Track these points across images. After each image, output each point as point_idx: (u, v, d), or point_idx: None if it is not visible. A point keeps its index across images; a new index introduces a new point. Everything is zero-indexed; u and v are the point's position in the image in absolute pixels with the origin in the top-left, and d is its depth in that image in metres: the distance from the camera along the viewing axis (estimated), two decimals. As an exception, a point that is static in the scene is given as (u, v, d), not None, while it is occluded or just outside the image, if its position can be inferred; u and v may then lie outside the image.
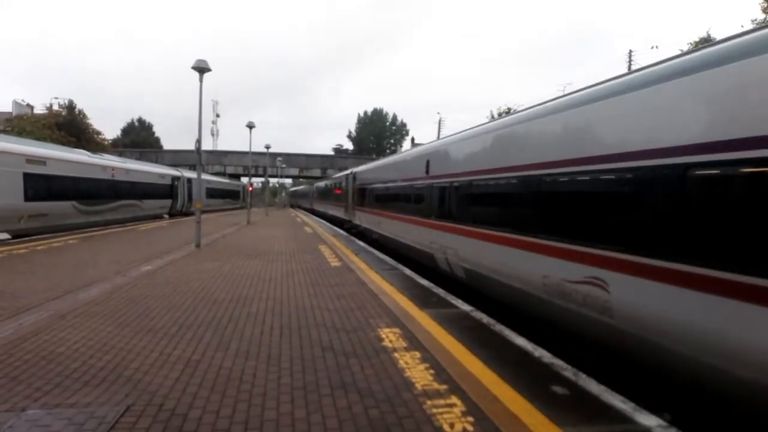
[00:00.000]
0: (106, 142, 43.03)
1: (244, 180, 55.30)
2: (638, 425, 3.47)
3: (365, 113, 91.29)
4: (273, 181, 62.36)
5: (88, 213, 21.85)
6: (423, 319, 6.42)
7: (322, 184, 46.10)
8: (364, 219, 20.16)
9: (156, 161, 44.96)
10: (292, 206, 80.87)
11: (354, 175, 23.28)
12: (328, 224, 29.72)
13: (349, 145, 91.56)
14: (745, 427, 3.89)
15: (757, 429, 3.73)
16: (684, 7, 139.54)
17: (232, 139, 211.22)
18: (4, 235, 16.01)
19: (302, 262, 11.93)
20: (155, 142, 75.41)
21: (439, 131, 60.32)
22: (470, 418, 3.54)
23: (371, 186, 18.83)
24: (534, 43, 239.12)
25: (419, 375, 4.39)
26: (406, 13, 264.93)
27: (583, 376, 4.39)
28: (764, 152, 3.43)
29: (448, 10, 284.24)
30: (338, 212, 28.72)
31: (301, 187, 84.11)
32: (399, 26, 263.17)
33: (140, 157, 44.24)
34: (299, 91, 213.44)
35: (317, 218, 37.78)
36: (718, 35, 26.29)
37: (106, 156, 27.75)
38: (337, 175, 35.27)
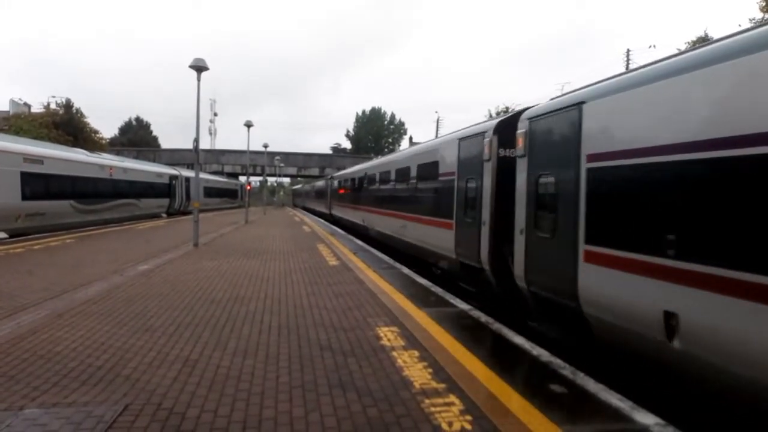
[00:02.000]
0: (103, 141, 42.98)
1: (242, 179, 55.25)
2: (636, 423, 3.48)
3: (363, 112, 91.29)
4: (271, 180, 62.18)
5: (86, 212, 21.79)
6: (421, 317, 6.42)
7: (356, 171, 23.91)
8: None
9: (153, 160, 44.82)
10: (295, 206, 71.46)
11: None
12: (325, 222, 29.40)
13: (347, 145, 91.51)
14: (743, 425, 3.90)
15: (753, 427, 3.74)
16: (682, 7, 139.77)
17: (230, 138, 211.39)
18: (2, 234, 15.95)
19: (300, 261, 11.92)
20: (153, 141, 75.22)
21: (437, 130, 60.31)
22: (468, 417, 3.54)
23: None
24: (534, 43, 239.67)
25: (417, 374, 4.39)
26: (406, 13, 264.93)
27: (581, 374, 4.40)
28: None
29: (447, 9, 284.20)
30: (432, 238, 11.06)
31: (305, 185, 64.08)
32: (398, 26, 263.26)
33: (138, 156, 44.14)
34: (298, 90, 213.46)
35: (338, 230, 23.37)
36: (715, 35, 26.35)
37: (104, 155, 27.73)
38: (426, 144, 14.42)
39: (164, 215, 32.88)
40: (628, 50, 37.99)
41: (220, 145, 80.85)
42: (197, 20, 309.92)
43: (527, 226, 6.81)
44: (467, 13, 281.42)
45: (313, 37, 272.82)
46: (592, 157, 5.45)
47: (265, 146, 35.87)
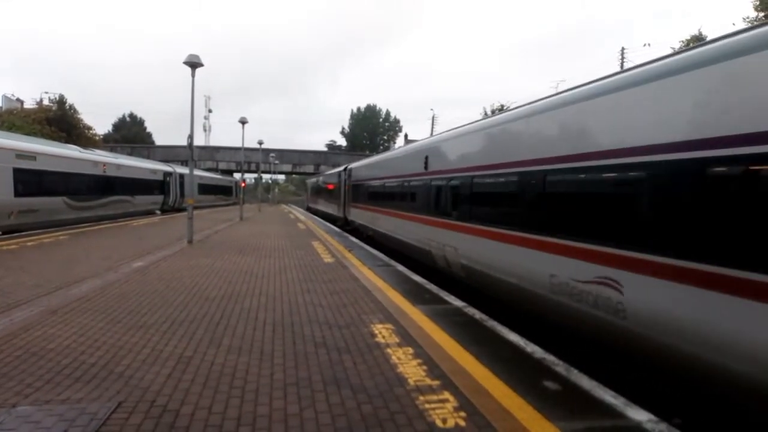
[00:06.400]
0: (97, 138, 42.68)
1: (237, 176, 55.09)
2: (629, 420, 3.50)
3: (359, 109, 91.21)
4: (266, 177, 62.14)
5: (79, 209, 21.65)
6: (416, 314, 6.43)
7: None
8: None
9: (148, 157, 44.64)
10: (309, 209, 45.29)
11: None
12: (321, 220, 29.40)
13: (342, 142, 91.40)
14: (737, 421, 3.94)
15: (748, 423, 3.78)
16: (677, 6, 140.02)
17: (224, 134, 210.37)
18: (-6, 231, 15.86)
19: (295, 258, 11.90)
20: (147, 138, 74.88)
21: (432, 128, 60.33)
22: (462, 414, 3.56)
23: None
24: (533, 39, 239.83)
25: (412, 371, 4.40)
26: (404, 9, 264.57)
27: (575, 371, 4.42)
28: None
29: (446, 6, 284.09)
30: None
31: (364, 161, 22.54)
32: (394, 23, 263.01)
33: (132, 153, 43.99)
34: (293, 86, 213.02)
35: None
36: (710, 34, 26.46)
37: (97, 151, 27.55)
38: None
39: (158, 212, 32.72)
40: (623, 48, 38.17)
41: (215, 141, 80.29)
42: (193, 15, 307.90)
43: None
44: (466, 10, 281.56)
45: (310, 33, 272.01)
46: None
47: (260, 143, 35.80)
